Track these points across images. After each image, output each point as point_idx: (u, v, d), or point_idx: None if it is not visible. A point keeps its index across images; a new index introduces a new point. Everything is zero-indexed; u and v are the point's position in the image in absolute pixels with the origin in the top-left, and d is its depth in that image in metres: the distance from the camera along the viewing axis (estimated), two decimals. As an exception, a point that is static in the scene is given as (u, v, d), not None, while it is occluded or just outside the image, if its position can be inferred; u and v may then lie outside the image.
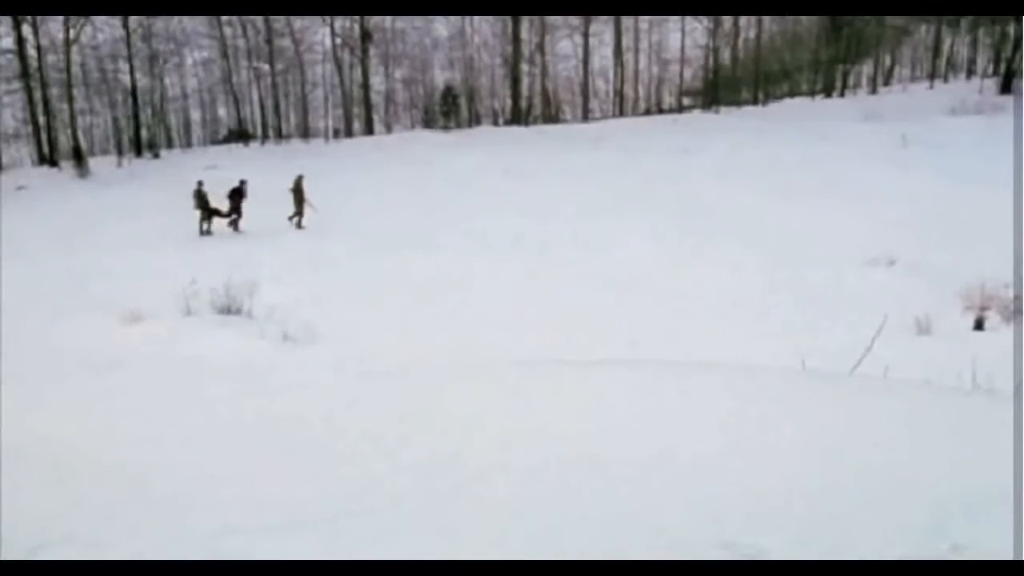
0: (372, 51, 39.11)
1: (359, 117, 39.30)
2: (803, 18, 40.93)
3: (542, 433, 3.81)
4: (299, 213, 19.34)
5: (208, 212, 19.18)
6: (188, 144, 38.47)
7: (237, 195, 19.32)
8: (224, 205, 19.31)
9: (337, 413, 4.34)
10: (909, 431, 3.79)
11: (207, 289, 12.45)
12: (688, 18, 39.40)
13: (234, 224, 19.37)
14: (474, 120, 39.82)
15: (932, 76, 40.79)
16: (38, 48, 32.91)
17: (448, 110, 39.94)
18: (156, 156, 34.82)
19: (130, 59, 35.47)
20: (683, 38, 40.63)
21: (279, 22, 37.32)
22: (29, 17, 31.76)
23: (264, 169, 21.70)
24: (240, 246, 17.36)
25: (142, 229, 19.17)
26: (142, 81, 36.60)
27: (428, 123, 39.50)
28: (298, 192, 19.37)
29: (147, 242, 17.64)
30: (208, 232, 19.13)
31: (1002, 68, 37.56)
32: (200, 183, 19.38)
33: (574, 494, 3.20)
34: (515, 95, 39.56)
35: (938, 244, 15.16)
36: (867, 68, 41.71)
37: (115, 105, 37.17)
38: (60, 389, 7.16)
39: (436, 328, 11.74)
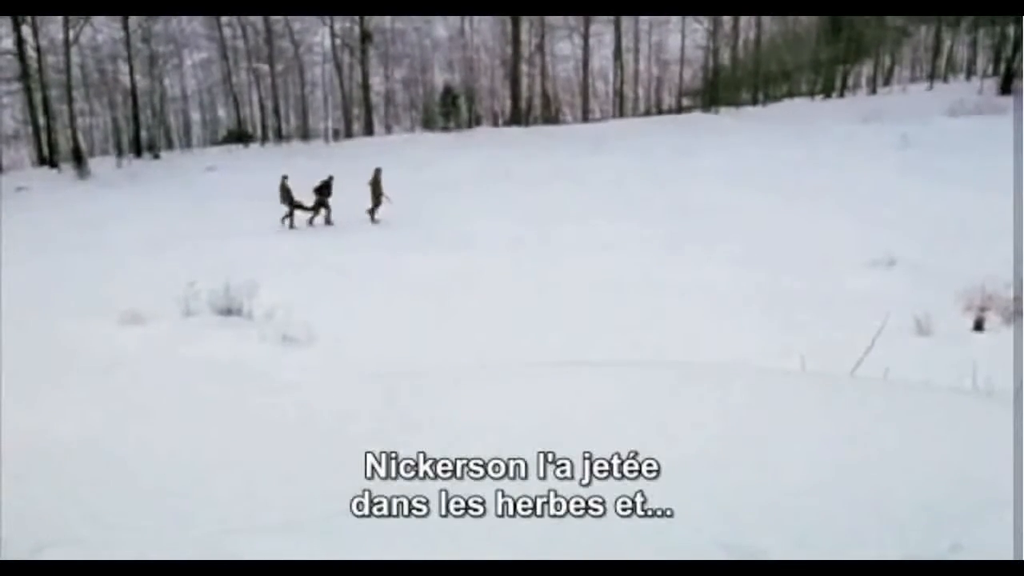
0: (372, 52, 39.08)
1: (359, 118, 39.27)
2: (803, 18, 40.92)
3: (542, 434, 3.81)
4: (376, 205, 19.52)
5: (292, 206, 19.26)
6: (188, 145, 38.44)
7: (324, 190, 19.40)
8: (309, 199, 19.38)
9: (335, 414, 4.34)
10: (909, 432, 3.79)
11: (207, 290, 12.45)
12: (688, 19, 39.40)
13: (324, 218, 19.47)
14: (474, 121, 39.77)
15: (932, 77, 40.75)
16: (38, 49, 32.86)
17: (448, 111, 39.90)
18: (156, 157, 34.83)
19: (130, 60, 35.45)
20: (683, 39, 40.61)
21: (278, 23, 37.31)
22: (29, 18, 31.74)
23: (264, 170, 21.70)
24: (242, 245, 17.32)
25: (143, 230, 19.17)
26: (142, 82, 36.57)
27: (428, 124, 39.50)
28: (376, 185, 19.52)
29: (148, 243, 17.63)
30: (292, 226, 19.27)
31: (1002, 69, 37.56)
32: (284, 177, 19.40)
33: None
34: (515, 96, 39.53)
35: (938, 245, 15.15)
36: (867, 69, 41.67)
37: (115, 106, 37.11)
38: (60, 389, 7.16)
39: (436, 329, 11.73)
